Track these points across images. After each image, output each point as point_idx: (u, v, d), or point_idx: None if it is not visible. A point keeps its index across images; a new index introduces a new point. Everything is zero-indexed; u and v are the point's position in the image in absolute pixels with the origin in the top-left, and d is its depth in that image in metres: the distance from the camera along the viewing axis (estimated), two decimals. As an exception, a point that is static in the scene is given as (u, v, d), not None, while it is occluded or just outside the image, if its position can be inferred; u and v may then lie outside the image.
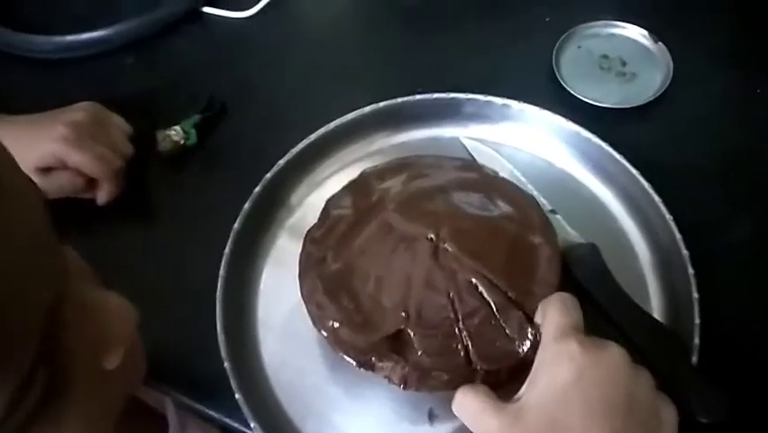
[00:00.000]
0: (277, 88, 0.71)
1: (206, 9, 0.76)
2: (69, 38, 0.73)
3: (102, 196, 0.60)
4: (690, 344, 0.50)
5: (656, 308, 0.54)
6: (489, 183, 0.56)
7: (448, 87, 0.65)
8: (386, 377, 0.48)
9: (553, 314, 0.43)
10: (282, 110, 0.69)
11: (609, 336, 0.43)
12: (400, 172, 0.56)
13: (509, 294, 0.48)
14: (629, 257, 0.57)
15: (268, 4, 0.76)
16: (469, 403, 0.41)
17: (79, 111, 0.60)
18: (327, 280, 0.50)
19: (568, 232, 0.57)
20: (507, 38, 0.73)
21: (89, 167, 0.58)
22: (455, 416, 0.43)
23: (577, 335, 0.41)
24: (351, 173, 0.60)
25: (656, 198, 0.56)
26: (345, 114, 0.63)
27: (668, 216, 0.55)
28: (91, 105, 0.62)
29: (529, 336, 0.47)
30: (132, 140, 0.64)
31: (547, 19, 0.73)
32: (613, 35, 0.71)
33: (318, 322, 0.50)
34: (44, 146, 0.58)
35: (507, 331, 0.47)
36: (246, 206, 0.58)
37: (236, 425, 0.53)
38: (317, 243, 0.53)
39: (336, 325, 0.49)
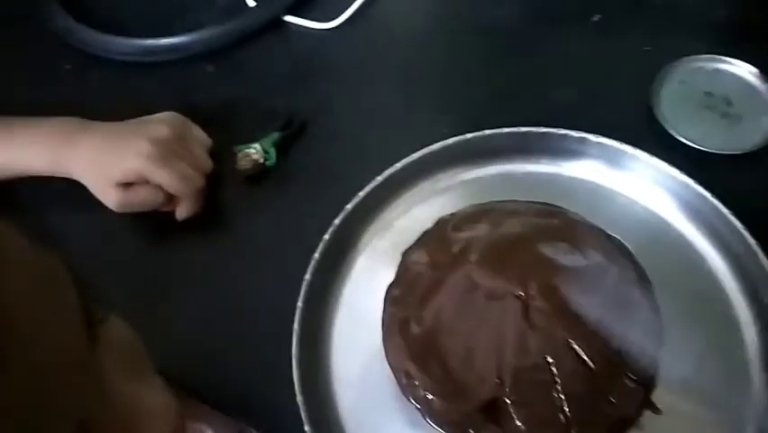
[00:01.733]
0: (357, 107, 0.68)
1: (289, 18, 0.74)
2: (149, 41, 0.71)
3: (182, 212, 0.59)
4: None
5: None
6: (576, 231, 0.53)
7: (533, 118, 0.62)
8: None
9: None
10: (361, 132, 0.66)
11: None
12: (478, 221, 0.53)
13: (609, 355, 0.45)
14: (728, 316, 0.52)
15: (353, 14, 0.73)
16: None
17: (163, 125, 0.59)
18: (413, 345, 0.48)
19: None
20: (601, 68, 0.68)
21: (173, 186, 0.57)
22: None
23: None
24: (428, 208, 0.58)
25: (763, 257, 0.52)
26: (426, 141, 0.60)
27: (763, 258, 0.51)
28: (174, 118, 0.61)
29: (634, 400, 0.44)
30: (211, 154, 0.63)
31: (647, 49, 0.69)
32: (718, 71, 0.66)
33: (409, 392, 0.47)
34: (128, 162, 0.56)
35: (609, 397, 0.44)
36: (316, 255, 0.55)
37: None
38: (399, 302, 0.50)
39: (429, 396, 0.46)
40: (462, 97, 0.69)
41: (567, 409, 0.45)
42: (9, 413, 0.19)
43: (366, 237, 0.58)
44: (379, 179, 0.58)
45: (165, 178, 0.57)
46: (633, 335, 0.47)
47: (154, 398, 0.29)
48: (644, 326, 0.48)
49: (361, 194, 0.58)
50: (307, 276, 0.54)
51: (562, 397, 0.45)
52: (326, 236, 0.56)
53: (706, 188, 0.56)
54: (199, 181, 0.60)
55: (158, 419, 0.28)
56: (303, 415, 0.49)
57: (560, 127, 0.60)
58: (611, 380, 0.45)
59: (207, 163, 0.62)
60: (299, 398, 0.49)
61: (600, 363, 0.45)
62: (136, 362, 0.31)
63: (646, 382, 0.46)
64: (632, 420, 0.46)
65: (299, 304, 0.53)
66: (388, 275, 0.54)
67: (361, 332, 0.53)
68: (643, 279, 0.51)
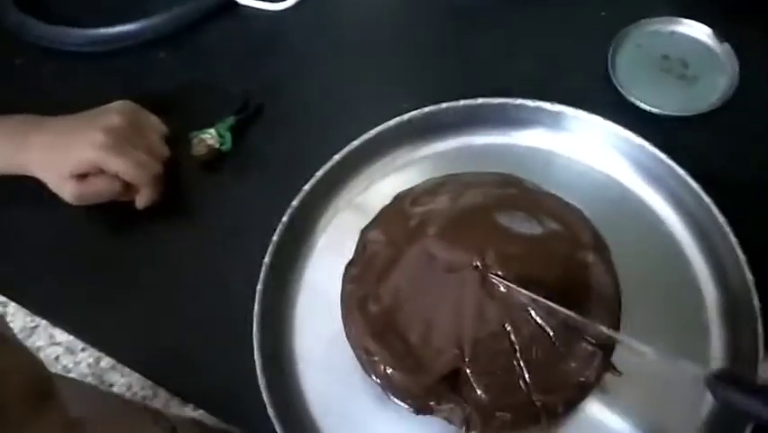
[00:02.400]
0: (314, 88, 0.67)
1: (241, 0, 0.73)
2: (101, 30, 0.69)
3: (141, 201, 0.58)
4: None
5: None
6: (533, 199, 0.52)
7: (494, 89, 0.61)
8: (446, 419, 0.45)
9: None
10: (319, 112, 0.65)
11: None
12: (436, 194, 0.52)
13: (567, 318, 0.45)
14: (686, 277, 0.52)
15: (307, -6, 0.73)
16: None
17: (115, 114, 0.58)
18: (373, 322, 0.47)
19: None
20: (559, 36, 0.67)
21: (129, 173, 0.56)
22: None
23: None
24: (389, 183, 0.57)
25: (720, 217, 0.52)
26: (385, 117, 0.59)
27: (732, 239, 0.51)
28: (127, 107, 0.59)
29: (594, 363, 0.44)
30: (166, 140, 0.62)
31: (603, 14, 0.68)
32: (674, 33, 0.65)
33: (370, 368, 0.47)
34: (82, 153, 0.55)
35: (569, 361, 0.44)
36: (275, 237, 0.54)
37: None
38: (357, 280, 0.49)
39: (389, 370, 0.46)
40: (419, 73, 0.68)
41: (527, 376, 0.44)
42: None
43: (325, 217, 0.58)
44: (336, 157, 0.57)
45: (120, 166, 0.56)
46: (589, 300, 0.47)
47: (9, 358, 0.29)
48: (600, 289, 0.48)
49: (319, 174, 0.57)
50: (267, 259, 0.54)
51: (522, 364, 0.44)
52: (284, 218, 0.55)
53: (663, 150, 0.55)
54: (156, 168, 0.59)
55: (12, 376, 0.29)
56: (266, 398, 0.48)
57: (518, 97, 0.59)
58: (570, 344, 0.45)
59: (163, 150, 0.60)
60: (261, 381, 0.49)
61: (558, 328, 0.45)
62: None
63: (605, 345, 0.46)
64: (593, 384, 0.46)
65: (259, 287, 0.53)
66: (349, 254, 0.53)
67: (322, 312, 0.52)
68: (599, 243, 0.50)
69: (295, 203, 0.56)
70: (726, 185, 0.54)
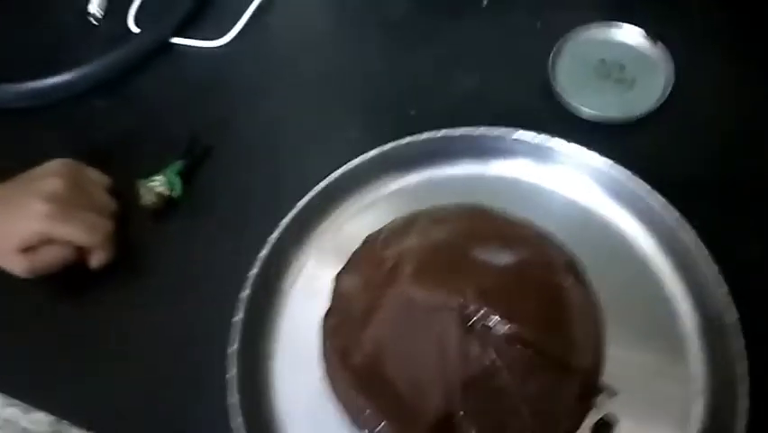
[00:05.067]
0: (261, 124, 0.64)
1: (177, 40, 0.69)
2: (31, 84, 0.65)
3: (95, 261, 0.55)
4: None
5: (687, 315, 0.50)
6: (503, 227, 0.50)
7: (442, 112, 0.61)
8: None
9: None
10: (269, 149, 0.63)
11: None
12: (407, 233, 0.50)
13: (553, 350, 0.44)
14: (660, 294, 0.50)
15: (244, 28, 0.69)
16: None
17: (55, 178, 0.54)
18: (358, 374, 0.45)
19: None
20: (499, 51, 0.67)
21: (81, 238, 0.53)
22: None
23: None
24: (357, 223, 0.55)
25: (686, 226, 0.51)
26: (336, 148, 0.58)
27: (698, 244, 0.50)
28: (64, 167, 0.55)
29: (585, 386, 0.43)
30: (112, 193, 0.58)
31: (538, 25, 0.68)
32: (609, 38, 0.65)
33: (360, 423, 0.45)
34: (27, 226, 0.51)
35: (561, 392, 0.43)
36: (245, 292, 0.51)
37: None
38: (336, 332, 0.47)
39: (381, 424, 0.44)
40: (367, 99, 0.66)
41: (521, 410, 0.43)
42: None
43: (295, 265, 0.55)
44: (301, 203, 0.54)
45: (71, 232, 0.52)
46: (572, 323, 0.46)
47: None
48: (581, 313, 0.47)
49: (285, 222, 0.54)
50: (238, 315, 0.50)
51: (515, 400, 0.43)
52: (254, 271, 0.52)
53: (610, 155, 0.54)
54: (108, 226, 0.55)
55: None
56: None
57: (468, 118, 0.58)
58: (560, 372, 0.44)
59: (110, 204, 0.57)
60: None
61: (546, 357, 0.44)
62: None
63: (594, 368, 0.45)
64: (588, 408, 0.45)
65: (232, 348, 0.49)
66: (323, 303, 0.51)
67: (302, 366, 0.49)
68: (574, 265, 0.49)
69: (263, 253, 0.52)
70: (677, 184, 0.54)
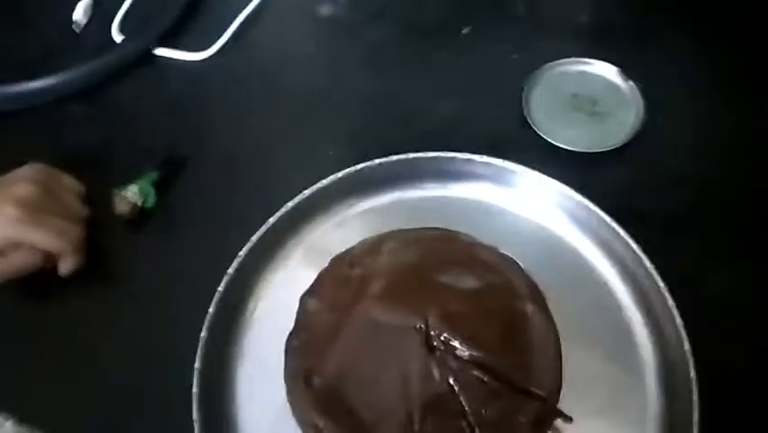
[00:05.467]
0: (239, 139, 0.65)
1: (159, 51, 0.70)
2: (12, 87, 0.65)
3: (64, 268, 0.54)
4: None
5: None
6: (470, 253, 0.51)
7: (418, 137, 0.61)
8: None
9: None
10: (246, 165, 0.63)
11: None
12: (374, 254, 0.51)
13: (512, 375, 0.45)
14: (620, 321, 0.52)
15: (227, 43, 0.70)
16: None
17: (26, 183, 0.53)
18: (319, 397, 0.45)
19: None
20: (476, 79, 0.68)
21: (50, 244, 0.53)
22: None
23: None
24: (326, 242, 0.56)
25: (634, 245, 0.52)
26: (314, 167, 0.58)
27: (649, 266, 0.51)
28: (37, 172, 0.55)
29: (539, 416, 0.44)
30: (85, 200, 0.58)
31: (514, 56, 0.70)
32: (583, 72, 0.67)
33: None
34: None
35: (518, 416, 0.44)
36: (211, 309, 0.51)
37: None
38: (300, 352, 0.47)
39: None
40: (345, 120, 0.66)
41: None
42: None
43: (262, 283, 0.55)
44: (271, 220, 0.55)
45: (40, 238, 0.52)
46: (531, 350, 0.47)
47: None
48: (541, 339, 0.47)
49: (254, 238, 0.54)
50: (203, 333, 0.50)
51: (471, 423, 0.44)
52: (220, 288, 0.52)
53: (581, 187, 0.56)
54: (77, 232, 0.55)
55: None
56: None
57: (443, 145, 0.59)
58: (516, 397, 0.45)
59: (82, 211, 0.57)
60: None
61: (504, 382, 0.44)
62: None
63: (551, 395, 0.46)
64: None
65: (197, 365, 0.49)
66: (289, 322, 0.51)
67: (265, 384, 0.49)
68: (535, 293, 0.50)
69: (230, 270, 0.52)
70: (642, 218, 0.56)
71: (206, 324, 0.50)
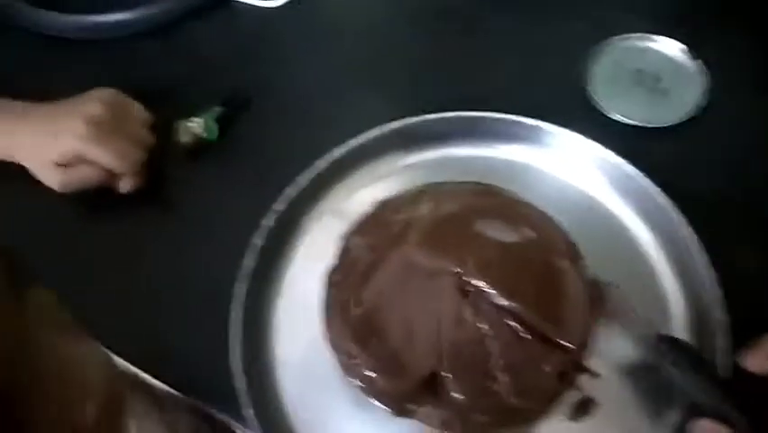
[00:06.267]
0: (301, 86, 0.66)
1: (234, -4, 0.73)
2: (92, 18, 0.69)
3: (124, 187, 0.58)
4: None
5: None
6: (510, 207, 0.52)
7: (476, 99, 0.61)
8: (424, 422, 0.45)
9: None
10: (305, 110, 0.65)
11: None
12: (417, 202, 0.51)
13: (542, 326, 0.45)
14: (655, 292, 0.52)
15: (298, -6, 0.73)
16: None
17: (97, 103, 0.57)
18: (354, 326, 0.47)
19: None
20: (538, 47, 0.67)
21: (111, 163, 0.56)
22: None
23: None
24: (370, 192, 0.57)
25: (687, 228, 0.52)
26: (367, 122, 0.59)
27: (697, 246, 0.51)
28: (110, 95, 0.58)
29: (566, 368, 0.45)
30: (151, 128, 0.61)
31: (580, 29, 0.69)
32: (649, 49, 0.66)
33: (351, 372, 0.46)
34: (64, 143, 0.55)
35: (543, 366, 0.44)
36: (256, 241, 0.53)
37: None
38: (339, 285, 0.49)
39: (370, 374, 0.45)
40: (402, 80, 0.67)
41: (503, 379, 0.44)
42: None
43: (306, 222, 0.57)
44: (319, 164, 0.56)
45: (102, 156, 0.55)
46: (563, 304, 0.47)
47: (96, 353, 0.27)
48: (573, 295, 0.47)
49: (301, 180, 0.56)
50: (247, 261, 0.52)
51: (499, 368, 0.44)
52: (266, 222, 0.54)
53: (636, 160, 0.55)
54: (138, 155, 0.58)
55: (94, 382, 0.26)
56: (244, 400, 0.47)
57: (497, 108, 0.59)
58: (544, 347, 0.45)
59: (147, 138, 0.60)
60: (240, 384, 0.48)
61: (534, 333, 0.45)
62: (67, 327, 0.29)
63: (579, 349, 0.46)
64: (567, 386, 0.46)
65: (238, 291, 0.51)
66: (329, 259, 0.53)
67: (302, 317, 0.51)
68: (573, 251, 0.50)
69: (277, 207, 0.54)
70: (691, 195, 0.55)
71: (251, 254, 0.52)
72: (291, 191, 0.56)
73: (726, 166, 0.60)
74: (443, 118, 0.59)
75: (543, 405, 0.45)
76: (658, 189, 0.54)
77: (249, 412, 0.46)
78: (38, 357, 0.23)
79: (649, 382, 0.47)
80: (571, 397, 0.45)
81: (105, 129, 0.56)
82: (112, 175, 0.57)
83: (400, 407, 0.45)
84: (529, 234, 0.49)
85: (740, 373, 0.43)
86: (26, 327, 0.24)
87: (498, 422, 0.44)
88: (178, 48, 0.70)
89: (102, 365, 0.27)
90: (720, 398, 0.42)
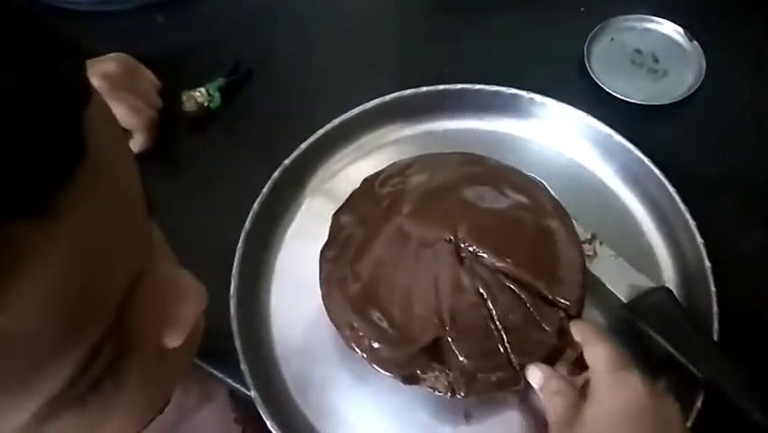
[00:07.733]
0: (304, 59, 0.67)
1: (240, -29, 0.74)
2: (102, -11, 0.71)
3: (135, 146, 0.57)
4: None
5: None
6: (495, 174, 0.52)
7: (475, 74, 0.61)
8: (431, 387, 0.45)
9: (607, 344, 0.42)
10: (307, 82, 0.65)
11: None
12: (404, 175, 0.52)
13: (537, 284, 0.45)
14: (648, 257, 0.53)
15: (303, -30, 0.73)
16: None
17: (111, 62, 0.57)
18: (354, 299, 0.46)
19: (634, 274, 0.51)
20: (540, 26, 0.68)
21: (124, 118, 0.56)
22: (490, 415, 0.44)
23: (635, 370, 0.41)
24: (357, 169, 0.58)
25: (681, 204, 0.53)
26: (367, 94, 0.60)
27: (691, 222, 0.52)
28: (122, 57, 0.59)
29: (563, 325, 0.45)
30: (160, 93, 0.61)
31: (582, 9, 0.69)
32: (648, 30, 0.67)
33: (354, 343, 0.46)
34: None
35: (542, 324, 0.44)
36: (246, 224, 0.53)
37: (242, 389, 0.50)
38: (335, 261, 0.49)
39: (374, 344, 0.45)
40: (406, 52, 0.68)
41: (505, 339, 0.45)
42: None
43: (295, 204, 0.57)
44: (303, 145, 0.57)
45: (116, 110, 0.56)
46: (556, 263, 0.47)
47: (192, 280, 0.27)
48: (565, 253, 0.48)
49: (287, 162, 0.56)
50: (240, 244, 0.53)
51: (500, 329, 0.45)
52: (255, 206, 0.54)
53: (630, 135, 0.56)
54: (150, 114, 0.58)
55: (192, 300, 0.27)
56: (248, 381, 0.48)
57: (498, 83, 0.60)
58: (542, 306, 0.45)
59: (157, 100, 0.60)
60: (243, 365, 0.48)
61: (531, 292, 0.45)
62: (173, 260, 0.29)
63: (574, 305, 0.46)
64: (566, 344, 0.46)
65: (234, 273, 0.51)
66: (320, 239, 0.52)
67: (299, 296, 0.52)
68: (560, 211, 0.51)
69: (265, 189, 0.55)
70: (682, 170, 0.56)
71: (243, 236, 0.53)
72: (276, 174, 0.56)
73: (722, 143, 0.60)
74: (438, 90, 0.60)
75: (544, 362, 0.45)
76: (649, 161, 0.55)
77: (252, 393, 0.48)
78: (153, 273, 0.24)
79: (635, 348, 0.48)
80: (570, 354, 0.45)
81: (118, 85, 0.56)
82: (123, 131, 0.58)
83: (407, 374, 0.45)
84: (517, 197, 0.49)
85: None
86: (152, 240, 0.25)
87: (503, 381, 0.45)
88: (185, 21, 0.70)
89: (198, 290, 0.27)
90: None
